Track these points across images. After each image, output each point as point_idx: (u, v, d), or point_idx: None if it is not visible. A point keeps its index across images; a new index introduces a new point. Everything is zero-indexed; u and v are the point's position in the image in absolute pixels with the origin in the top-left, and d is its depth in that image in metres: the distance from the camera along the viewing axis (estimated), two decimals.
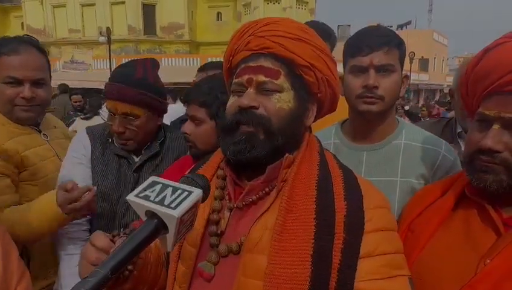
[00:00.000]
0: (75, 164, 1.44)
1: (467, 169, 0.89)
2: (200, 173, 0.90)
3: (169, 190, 0.62)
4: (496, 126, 0.83)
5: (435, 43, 34.50)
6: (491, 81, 0.83)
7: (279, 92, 0.81)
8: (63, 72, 19.34)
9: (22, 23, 29.00)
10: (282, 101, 0.80)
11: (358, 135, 1.26)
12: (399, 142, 1.22)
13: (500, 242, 0.81)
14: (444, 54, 38.01)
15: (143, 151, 1.49)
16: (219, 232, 0.82)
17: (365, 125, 1.24)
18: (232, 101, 0.84)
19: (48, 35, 27.13)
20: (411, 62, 21.33)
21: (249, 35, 0.84)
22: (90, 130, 1.51)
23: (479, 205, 0.88)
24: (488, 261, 0.81)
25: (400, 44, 1.19)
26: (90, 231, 1.43)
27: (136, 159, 1.48)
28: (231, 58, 0.89)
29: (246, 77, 0.81)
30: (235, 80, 0.84)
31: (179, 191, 0.62)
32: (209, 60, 3.50)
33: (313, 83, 0.85)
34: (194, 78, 2.09)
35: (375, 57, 1.14)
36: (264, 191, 0.82)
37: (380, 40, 1.15)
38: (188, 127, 1.26)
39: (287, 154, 0.81)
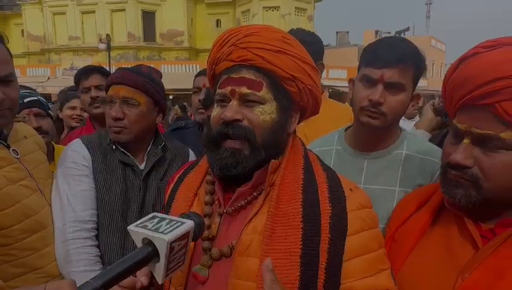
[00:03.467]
0: (79, 176, 1.35)
1: (441, 182, 0.88)
2: (189, 177, 0.95)
3: (166, 221, 0.68)
4: (466, 140, 0.81)
5: (433, 49, 34.64)
6: (464, 92, 0.81)
7: (262, 103, 0.82)
8: (63, 79, 19.37)
9: (22, 30, 29.09)
10: (265, 113, 0.82)
11: (361, 143, 1.27)
12: (400, 153, 1.22)
13: (478, 256, 0.80)
14: (442, 60, 38.16)
15: (145, 157, 1.46)
16: (211, 237, 0.85)
17: (368, 135, 1.24)
18: (216, 113, 0.85)
19: (48, 42, 27.21)
20: None
21: (231, 45, 0.84)
22: (85, 139, 1.44)
23: (458, 216, 0.87)
24: (467, 275, 0.80)
25: (417, 62, 1.15)
26: (99, 247, 1.34)
27: (141, 167, 1.44)
28: (214, 66, 0.90)
29: (229, 88, 0.83)
30: (218, 90, 0.86)
31: (174, 222, 0.68)
32: None
33: (295, 92, 0.86)
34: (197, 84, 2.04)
35: (387, 72, 1.12)
36: (252, 196, 0.85)
37: (397, 56, 1.11)
38: None
39: (272, 160, 0.84)
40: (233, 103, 0.82)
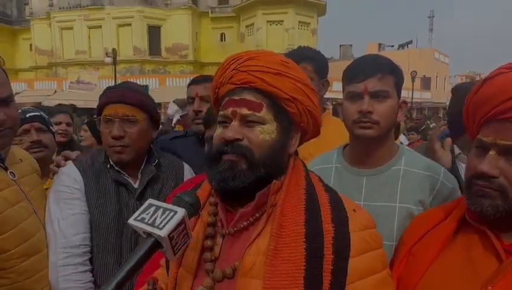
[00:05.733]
0: (71, 200, 1.34)
1: (466, 194, 0.91)
2: None
3: (160, 211, 0.72)
4: (492, 152, 0.85)
5: (436, 62, 34.80)
6: (488, 109, 0.86)
7: (262, 123, 0.84)
8: (70, 92, 19.65)
9: (31, 44, 29.67)
10: (265, 132, 0.84)
11: (359, 159, 1.28)
12: (398, 168, 1.23)
13: (502, 269, 0.82)
14: (446, 72, 38.26)
15: (139, 176, 1.44)
16: (213, 258, 0.86)
17: (364, 150, 1.25)
18: (218, 133, 0.88)
19: (55, 57, 27.70)
20: (413, 81, 21.47)
21: (233, 70, 0.88)
22: (77, 162, 1.42)
23: (480, 230, 0.89)
24: (490, 288, 0.81)
25: (394, 70, 1.22)
26: (93, 271, 1.34)
27: (135, 186, 1.42)
28: (217, 90, 0.93)
29: (230, 109, 0.86)
30: (220, 112, 0.89)
31: (167, 212, 0.71)
32: None
33: (295, 113, 0.88)
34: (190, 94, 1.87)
35: (369, 83, 1.17)
36: (254, 217, 0.85)
37: (374, 67, 1.19)
38: None
39: (274, 181, 0.85)
40: (235, 123, 0.85)
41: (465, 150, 1.59)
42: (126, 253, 1.35)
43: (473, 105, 0.92)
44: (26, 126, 1.83)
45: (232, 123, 0.85)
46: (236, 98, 0.86)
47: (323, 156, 1.39)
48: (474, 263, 0.87)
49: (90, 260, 1.34)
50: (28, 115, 1.85)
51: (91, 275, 1.32)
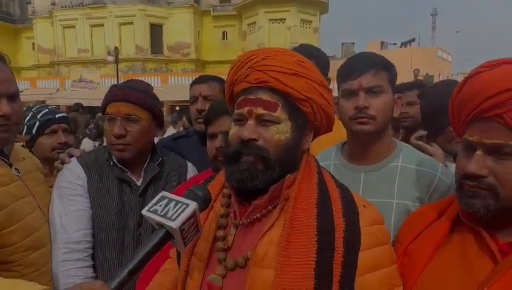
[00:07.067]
0: (73, 196, 1.35)
1: (457, 194, 0.91)
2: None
3: (173, 203, 0.74)
4: (479, 152, 0.84)
5: (439, 60, 34.64)
6: (471, 107, 0.86)
7: (277, 123, 0.86)
8: (72, 91, 19.71)
9: (33, 43, 29.73)
10: (280, 132, 0.86)
11: (356, 156, 1.29)
12: (396, 165, 1.24)
13: (498, 270, 0.82)
14: (449, 70, 38.06)
15: (142, 173, 1.45)
16: (226, 247, 0.88)
17: (361, 147, 1.27)
18: (234, 131, 0.90)
19: (57, 55, 27.74)
20: (416, 79, 21.38)
21: (248, 68, 0.88)
22: (81, 159, 1.44)
23: (474, 230, 0.89)
24: (486, 289, 0.81)
25: (387, 66, 1.23)
26: (95, 267, 1.35)
27: (138, 183, 1.43)
28: (232, 87, 0.94)
29: (246, 108, 0.87)
30: (236, 111, 0.90)
31: (179, 205, 0.74)
32: None
33: (310, 112, 0.90)
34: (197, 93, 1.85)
35: (364, 79, 1.19)
36: (267, 209, 0.88)
37: (367, 63, 1.21)
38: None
39: (288, 175, 0.87)
40: (250, 122, 0.86)
41: (445, 149, 1.61)
42: (128, 249, 1.36)
43: (457, 103, 0.91)
44: (54, 126, 1.84)
45: (248, 122, 0.87)
46: (252, 98, 0.87)
47: (323, 153, 1.40)
48: (470, 263, 0.87)
49: (93, 256, 1.35)
50: (57, 116, 1.87)
51: (91, 271, 1.33)
